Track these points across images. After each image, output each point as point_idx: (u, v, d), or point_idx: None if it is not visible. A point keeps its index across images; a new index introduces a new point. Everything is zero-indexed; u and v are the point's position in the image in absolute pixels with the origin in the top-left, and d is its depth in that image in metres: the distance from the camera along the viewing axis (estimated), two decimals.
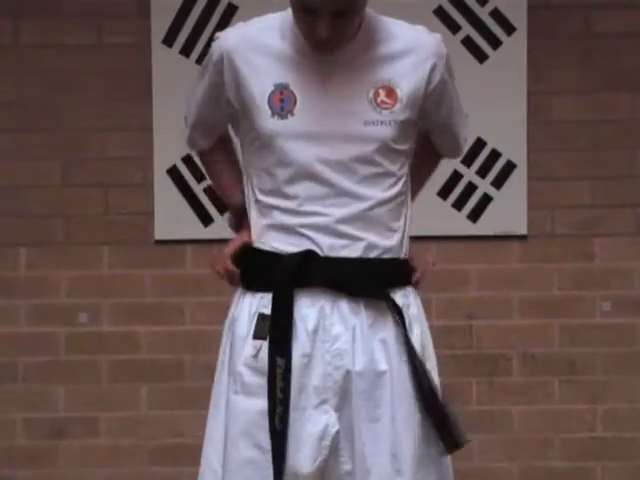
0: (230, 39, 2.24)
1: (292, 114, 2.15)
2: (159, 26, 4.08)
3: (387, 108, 2.17)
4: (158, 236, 4.10)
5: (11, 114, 4.14)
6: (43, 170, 4.14)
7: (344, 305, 2.17)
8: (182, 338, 4.12)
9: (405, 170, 2.25)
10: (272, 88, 2.16)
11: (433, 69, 2.20)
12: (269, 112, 2.16)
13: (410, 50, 2.20)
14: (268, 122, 2.16)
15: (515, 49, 4.07)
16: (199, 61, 4.05)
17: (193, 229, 4.06)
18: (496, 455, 4.14)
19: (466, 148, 2.52)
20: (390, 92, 2.18)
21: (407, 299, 2.27)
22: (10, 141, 4.14)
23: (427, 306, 4.04)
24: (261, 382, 2.18)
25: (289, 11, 2.18)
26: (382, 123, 2.16)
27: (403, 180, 2.23)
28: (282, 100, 2.15)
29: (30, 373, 4.15)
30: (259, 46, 2.20)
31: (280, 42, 2.19)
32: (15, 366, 4.15)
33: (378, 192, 2.18)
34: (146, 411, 4.15)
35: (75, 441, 4.15)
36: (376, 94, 2.17)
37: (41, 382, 4.14)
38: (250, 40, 2.22)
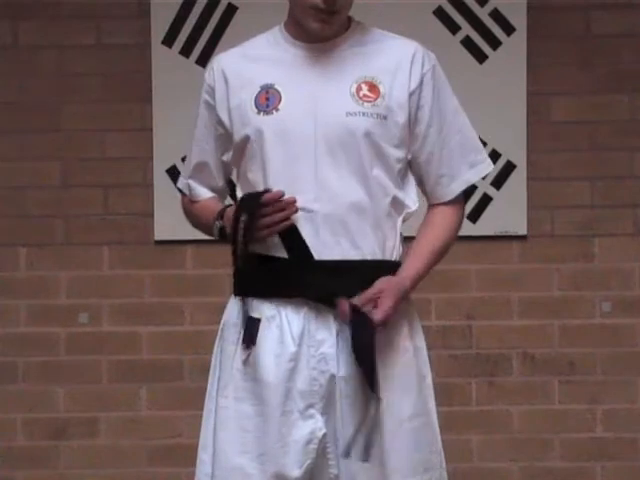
0: (222, 58, 2.32)
1: (277, 110, 2.19)
2: (159, 26, 4.08)
3: (369, 101, 2.19)
4: (158, 236, 4.10)
5: (11, 115, 4.14)
6: (43, 170, 4.14)
7: (329, 310, 2.16)
8: (182, 338, 4.12)
9: (396, 176, 2.24)
10: (258, 89, 2.21)
11: (413, 67, 2.22)
12: (255, 110, 2.20)
13: (394, 51, 2.24)
14: (254, 119, 2.19)
15: (515, 49, 4.07)
16: (199, 61, 4.06)
17: (193, 229, 4.03)
18: (496, 455, 4.15)
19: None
20: (373, 87, 2.20)
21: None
22: (10, 142, 4.14)
23: (427, 306, 4.11)
24: (251, 388, 2.19)
25: (276, 28, 2.29)
26: (364, 114, 2.18)
27: (393, 184, 2.23)
28: (267, 99, 2.20)
29: (30, 373, 4.15)
30: (248, 57, 2.27)
31: (267, 49, 2.26)
32: (15, 366, 4.15)
33: (363, 190, 2.18)
34: (146, 411, 4.15)
35: (75, 441, 4.16)
36: (358, 88, 2.20)
37: (41, 382, 4.15)
38: (240, 53, 2.29)
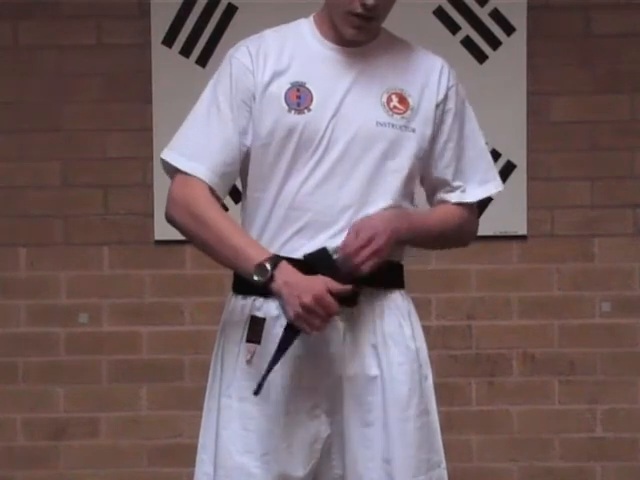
0: (252, 45, 2.23)
1: (309, 110, 2.17)
2: (159, 26, 4.08)
3: (399, 113, 2.20)
4: (158, 236, 4.10)
5: (11, 115, 4.14)
6: (43, 170, 4.14)
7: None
8: (182, 338, 4.12)
9: (412, 188, 2.27)
10: (289, 86, 2.18)
11: (441, 81, 2.25)
12: (286, 108, 2.17)
13: (422, 65, 2.26)
14: (285, 117, 2.17)
15: (515, 49, 4.07)
16: (199, 61, 4.06)
17: None
18: (496, 455, 4.15)
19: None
20: (402, 99, 2.21)
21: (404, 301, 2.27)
22: (10, 142, 4.14)
23: (427, 306, 4.10)
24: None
25: (303, 21, 2.25)
26: (393, 126, 2.19)
27: (410, 196, 2.26)
28: (299, 97, 2.17)
29: (30, 373, 4.15)
30: (277, 48, 2.22)
31: (297, 44, 2.23)
32: (15, 366, 4.15)
33: (379, 198, 2.18)
34: (146, 411, 4.15)
35: (75, 441, 4.16)
36: (389, 99, 2.21)
37: (41, 382, 4.15)
38: (269, 43, 2.23)
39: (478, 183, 2.32)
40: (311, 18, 2.27)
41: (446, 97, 2.26)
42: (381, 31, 2.27)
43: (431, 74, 2.25)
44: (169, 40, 4.09)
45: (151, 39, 4.09)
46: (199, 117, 2.24)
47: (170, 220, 2.23)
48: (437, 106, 2.24)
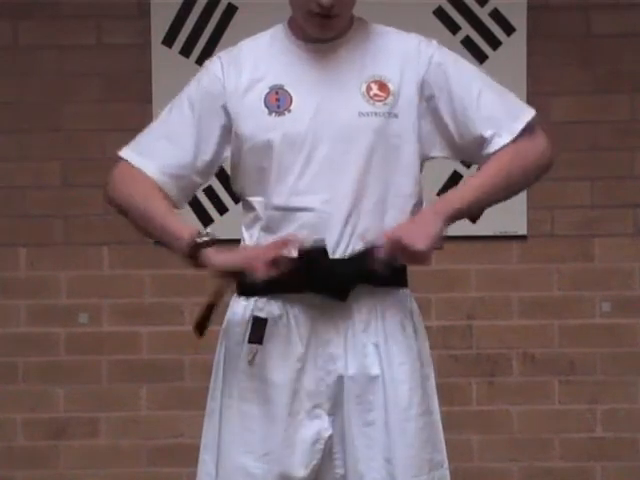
0: (229, 53, 2.28)
1: (289, 111, 2.17)
2: (159, 26, 4.09)
3: (380, 100, 2.19)
4: None
5: (11, 115, 4.14)
6: (43, 170, 4.14)
7: (336, 309, 2.16)
8: (182, 338, 4.12)
9: (412, 173, 2.24)
10: (267, 90, 2.19)
11: (420, 58, 2.22)
12: (266, 111, 2.18)
13: (398, 48, 2.23)
14: (266, 120, 2.17)
15: (515, 49, 4.07)
16: (199, 61, 4.05)
17: None
18: (496, 455, 4.15)
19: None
20: (382, 86, 2.20)
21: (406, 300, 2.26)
22: (10, 142, 4.14)
23: (427, 306, 4.10)
24: (256, 387, 2.19)
25: (279, 26, 2.27)
26: (376, 115, 2.17)
27: (408, 181, 2.23)
28: (278, 99, 2.18)
29: (30, 373, 4.15)
30: (254, 55, 2.24)
31: (273, 49, 2.24)
32: (15, 366, 4.15)
33: (378, 189, 2.18)
34: (146, 411, 4.15)
35: (75, 441, 4.16)
36: (368, 88, 2.19)
37: (41, 382, 4.15)
38: (247, 51, 2.26)
39: (511, 119, 2.28)
40: (285, 22, 2.28)
41: (430, 65, 2.21)
42: (354, 21, 2.25)
43: (408, 55, 2.22)
44: (169, 40, 4.09)
45: (151, 39, 4.09)
46: (160, 119, 2.35)
47: (110, 198, 2.30)
48: (422, 84, 2.21)
